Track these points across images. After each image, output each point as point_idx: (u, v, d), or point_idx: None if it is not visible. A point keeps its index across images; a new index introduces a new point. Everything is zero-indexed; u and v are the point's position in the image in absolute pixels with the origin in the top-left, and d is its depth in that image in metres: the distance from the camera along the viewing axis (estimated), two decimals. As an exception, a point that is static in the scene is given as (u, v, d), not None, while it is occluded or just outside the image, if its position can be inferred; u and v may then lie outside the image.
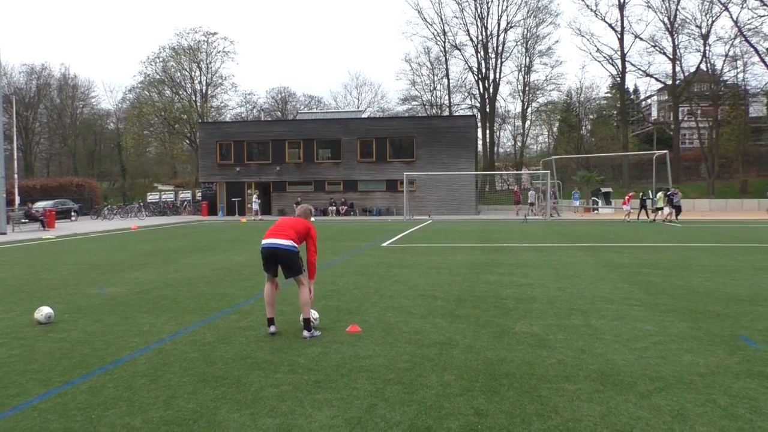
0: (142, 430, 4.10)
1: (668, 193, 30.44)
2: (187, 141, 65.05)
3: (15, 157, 45.00)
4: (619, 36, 55.88)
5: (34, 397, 4.80)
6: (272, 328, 6.75)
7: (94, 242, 20.59)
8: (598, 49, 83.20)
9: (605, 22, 68.59)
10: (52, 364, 5.74)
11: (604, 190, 42.59)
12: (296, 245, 6.61)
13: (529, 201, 38.63)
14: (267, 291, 6.86)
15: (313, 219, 7.20)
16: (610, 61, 58.90)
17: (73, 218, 38.60)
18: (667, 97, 62.12)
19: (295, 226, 6.73)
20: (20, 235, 24.98)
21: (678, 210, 30.13)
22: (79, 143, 70.30)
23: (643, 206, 31.68)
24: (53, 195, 45.30)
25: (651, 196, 32.39)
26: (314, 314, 7.03)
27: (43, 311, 7.54)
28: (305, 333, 6.54)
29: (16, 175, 39.05)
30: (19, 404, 4.64)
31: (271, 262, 6.69)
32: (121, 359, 5.86)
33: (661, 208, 30.22)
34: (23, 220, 28.35)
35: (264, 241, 6.65)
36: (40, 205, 36.08)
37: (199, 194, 45.50)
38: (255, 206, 37.51)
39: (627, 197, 32.06)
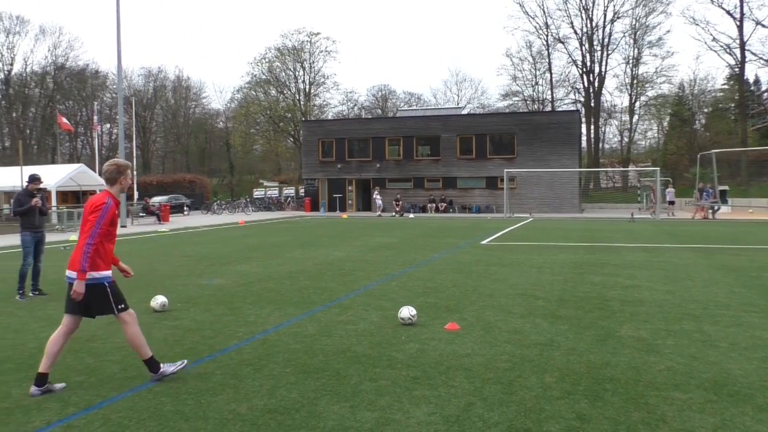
0: (247, 417, 4.27)
1: None
2: (291, 139, 67.05)
3: (134, 154, 48.10)
4: (738, 23, 52.37)
5: (150, 380, 5.10)
6: (34, 389, 4.76)
7: (204, 235, 21.65)
8: (714, 38, 77.45)
9: (722, 8, 64.19)
10: (166, 349, 6.08)
11: (720, 188, 39.99)
12: (96, 274, 4.83)
13: (668, 199, 36.37)
14: (53, 336, 4.95)
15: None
16: (728, 50, 55.15)
17: (185, 212, 40.78)
18: (792, 88, 57.55)
19: (86, 227, 4.86)
20: (138, 227, 26.67)
21: None
22: (191, 141, 74.02)
23: None
24: (168, 190, 48.05)
25: None
26: (412, 311, 7.05)
27: (158, 300, 8.02)
28: (159, 369, 5.06)
29: (135, 172, 41.67)
30: (137, 386, 4.96)
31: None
32: (228, 348, 6.12)
33: None
34: (141, 214, 30.31)
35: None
36: (156, 200, 38.37)
37: (302, 190, 46.78)
38: (379, 202, 37.82)
39: None
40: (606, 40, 59.68)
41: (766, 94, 66.43)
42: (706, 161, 39.35)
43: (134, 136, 54.42)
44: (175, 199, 41.94)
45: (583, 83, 61.54)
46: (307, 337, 6.52)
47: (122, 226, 26.66)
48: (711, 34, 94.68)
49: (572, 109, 58.26)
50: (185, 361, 5.23)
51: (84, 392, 4.81)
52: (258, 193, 50.18)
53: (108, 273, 4.94)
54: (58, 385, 4.92)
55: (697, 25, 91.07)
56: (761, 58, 57.42)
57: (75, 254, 4.86)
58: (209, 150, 75.27)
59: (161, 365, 5.08)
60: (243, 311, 7.95)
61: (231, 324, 7.21)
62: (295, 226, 26.64)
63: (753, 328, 6.79)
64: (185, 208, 41.65)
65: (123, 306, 4.97)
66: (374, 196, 38.54)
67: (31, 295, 9.21)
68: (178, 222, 30.72)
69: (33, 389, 4.77)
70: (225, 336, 6.62)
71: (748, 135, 54.78)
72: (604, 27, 59.47)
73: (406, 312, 7.04)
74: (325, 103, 70.81)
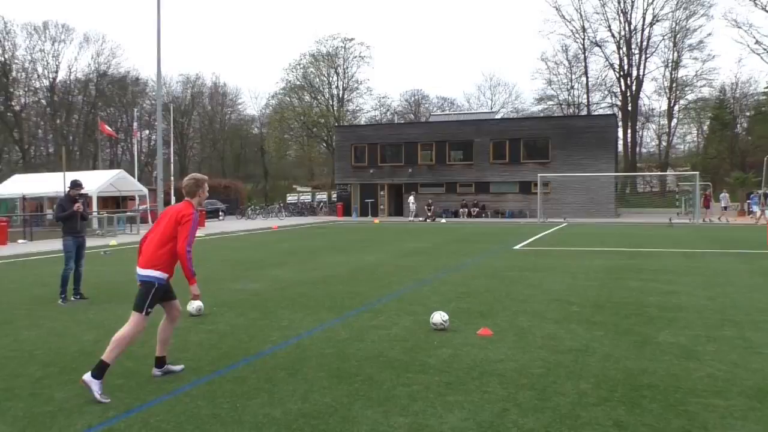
0: (281, 421, 4.30)
1: None
2: (324, 144, 67.50)
3: (172, 160, 48.84)
4: (781, 24, 51.01)
5: (187, 384, 5.18)
6: (156, 371, 5.44)
7: (239, 240, 21.90)
8: (757, 40, 75.04)
9: (766, 11, 62.83)
10: (202, 353, 6.16)
11: (761, 191, 38.86)
12: (156, 273, 5.16)
13: (722, 205, 35.55)
14: (161, 324, 5.54)
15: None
16: (771, 53, 53.80)
17: (220, 218, 41.31)
18: (838, 90, 55.89)
19: (163, 230, 5.22)
20: (175, 232, 27.08)
21: None
22: (226, 147, 75.04)
23: None
24: (204, 196, 48.59)
25: None
26: (444, 316, 7.03)
27: (194, 304, 8.10)
28: (86, 375, 4.87)
29: (172, 178, 42.28)
30: (174, 390, 5.03)
31: None
32: (262, 352, 6.18)
33: None
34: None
35: None
36: (193, 205, 38.85)
37: (335, 195, 47.01)
38: (412, 207, 37.63)
39: None
40: (644, 43, 58.98)
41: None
42: None
43: (172, 142, 55.19)
44: (210, 205, 42.49)
45: (620, 87, 60.89)
46: (340, 341, 6.55)
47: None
48: (754, 37, 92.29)
49: (608, 113, 57.44)
50: (109, 399, 4.78)
51: (124, 395, 4.90)
52: (291, 198, 50.56)
53: (164, 276, 5.21)
54: (177, 367, 5.54)
55: (740, 27, 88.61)
56: (805, 59, 55.87)
57: (150, 253, 5.18)
58: (244, 156, 76.18)
59: (100, 380, 4.83)
60: (277, 316, 8.02)
61: (265, 328, 7.28)
62: (328, 231, 26.78)
63: (797, 335, 6.60)
64: (220, 213, 42.18)
65: (150, 311, 5.14)
66: (409, 201, 38.48)
67: (72, 299, 9.41)
68: (213, 227, 31.13)
69: (155, 371, 5.41)
70: (259, 340, 6.68)
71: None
72: (643, 30, 58.77)
73: (439, 317, 7.02)
74: (358, 108, 71.19)
